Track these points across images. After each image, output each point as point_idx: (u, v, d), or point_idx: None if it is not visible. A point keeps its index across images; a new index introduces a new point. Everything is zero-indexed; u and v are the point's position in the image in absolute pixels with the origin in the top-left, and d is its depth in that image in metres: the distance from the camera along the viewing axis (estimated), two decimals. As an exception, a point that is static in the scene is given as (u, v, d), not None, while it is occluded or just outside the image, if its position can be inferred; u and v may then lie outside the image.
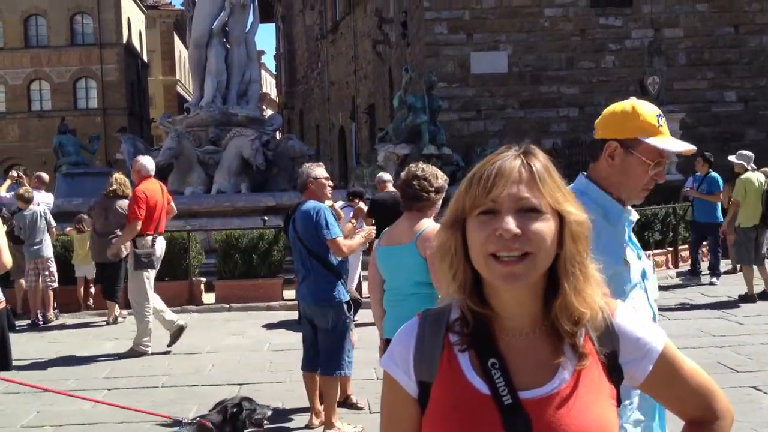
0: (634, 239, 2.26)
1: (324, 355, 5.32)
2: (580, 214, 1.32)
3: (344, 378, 5.56)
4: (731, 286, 10.82)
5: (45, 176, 12.04)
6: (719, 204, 11.41)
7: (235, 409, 4.13)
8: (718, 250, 11.50)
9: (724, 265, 13.00)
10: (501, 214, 1.27)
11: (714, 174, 11.40)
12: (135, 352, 7.79)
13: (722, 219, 11.34)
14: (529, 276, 1.28)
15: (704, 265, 11.92)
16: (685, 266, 13.11)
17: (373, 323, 9.25)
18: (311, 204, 5.33)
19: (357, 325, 9.07)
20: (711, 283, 11.20)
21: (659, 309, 8.61)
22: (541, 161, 1.32)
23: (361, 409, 5.76)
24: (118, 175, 9.82)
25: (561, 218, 1.30)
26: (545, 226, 1.27)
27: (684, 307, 9.65)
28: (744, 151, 10.81)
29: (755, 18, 22.05)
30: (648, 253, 12.60)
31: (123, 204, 9.01)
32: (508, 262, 1.26)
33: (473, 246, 1.30)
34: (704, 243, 12.01)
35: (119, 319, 9.75)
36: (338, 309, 5.28)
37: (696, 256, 11.79)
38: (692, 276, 11.57)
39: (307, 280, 5.33)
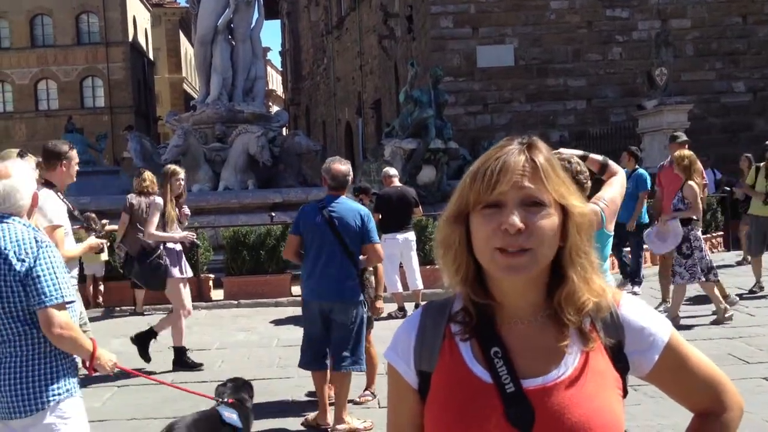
0: None
1: (345, 352, 5.30)
2: (583, 206, 1.33)
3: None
4: (742, 276, 10.75)
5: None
6: (644, 203, 10.09)
7: (247, 386, 4.56)
8: (640, 254, 10.47)
9: (735, 256, 12.95)
10: (506, 208, 1.27)
11: (641, 171, 10.08)
12: None
13: (646, 219, 10.18)
14: (531, 268, 1.28)
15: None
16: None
17: (383, 318, 9.29)
18: (357, 205, 5.47)
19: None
20: (633, 293, 9.99)
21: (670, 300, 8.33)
22: (544, 155, 1.32)
23: (362, 403, 5.79)
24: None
25: (564, 211, 1.31)
26: (548, 221, 1.28)
27: (694, 298, 9.59)
28: None
29: (763, 8, 21.93)
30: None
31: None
32: (510, 254, 1.26)
33: (478, 240, 1.30)
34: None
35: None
36: (361, 306, 5.37)
37: (620, 258, 10.55)
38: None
39: (329, 276, 5.26)
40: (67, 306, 2.81)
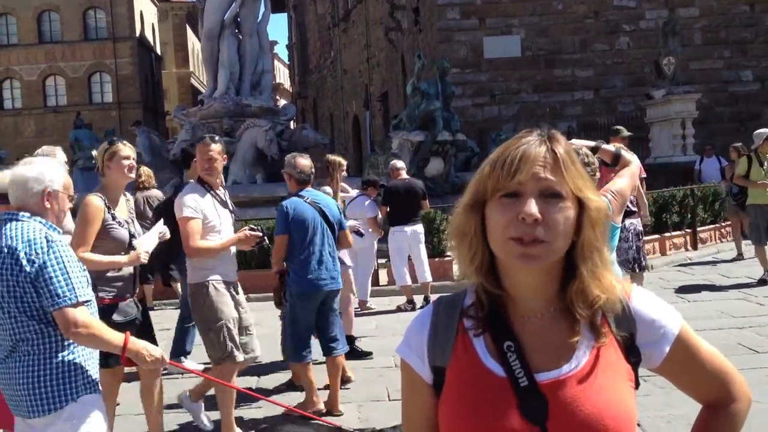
0: None
1: (338, 336, 5.57)
2: (599, 201, 1.33)
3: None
4: (751, 267, 10.72)
5: (62, 171, 12.14)
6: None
7: None
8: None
9: (743, 245, 12.86)
10: (524, 197, 1.27)
11: None
12: None
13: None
14: (545, 259, 1.28)
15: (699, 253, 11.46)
16: (704, 247, 13.02)
17: (392, 311, 9.31)
18: (329, 197, 5.76)
19: (376, 313, 9.14)
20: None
21: (679, 290, 8.43)
22: (564, 147, 1.32)
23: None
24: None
25: (580, 204, 1.31)
26: (565, 214, 1.28)
27: (704, 288, 9.58)
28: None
29: (771, -5, 21.77)
30: (666, 235, 12.48)
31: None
32: (525, 243, 1.26)
33: (493, 228, 1.30)
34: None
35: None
36: None
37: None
38: None
39: (334, 265, 5.46)
40: (84, 304, 2.76)
